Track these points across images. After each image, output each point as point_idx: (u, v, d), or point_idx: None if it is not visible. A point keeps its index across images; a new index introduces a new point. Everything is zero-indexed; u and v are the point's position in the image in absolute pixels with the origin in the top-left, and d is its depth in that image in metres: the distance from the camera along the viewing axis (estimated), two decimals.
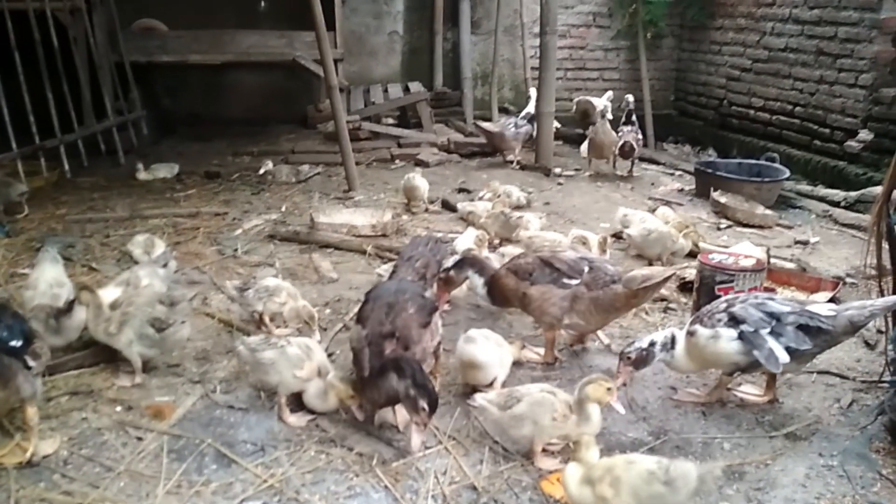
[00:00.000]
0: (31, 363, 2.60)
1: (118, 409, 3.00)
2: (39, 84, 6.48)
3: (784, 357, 2.88)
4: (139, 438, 2.80)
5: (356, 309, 3.97)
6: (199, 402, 3.07)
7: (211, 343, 3.58)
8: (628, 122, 7.55)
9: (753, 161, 7.36)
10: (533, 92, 8.80)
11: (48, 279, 3.60)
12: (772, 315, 2.96)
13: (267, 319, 3.71)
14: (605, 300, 3.31)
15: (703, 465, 2.33)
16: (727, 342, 2.97)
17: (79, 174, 6.80)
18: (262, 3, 9.95)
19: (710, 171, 6.85)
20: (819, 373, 3.45)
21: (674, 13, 10.94)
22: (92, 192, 6.39)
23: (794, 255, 5.14)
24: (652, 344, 3.05)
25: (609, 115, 7.46)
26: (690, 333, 3.05)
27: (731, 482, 2.66)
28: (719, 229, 5.75)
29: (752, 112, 9.68)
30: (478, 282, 3.65)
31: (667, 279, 3.31)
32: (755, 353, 2.90)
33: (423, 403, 2.57)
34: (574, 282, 3.36)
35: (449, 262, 3.67)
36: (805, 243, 5.46)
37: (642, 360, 3.04)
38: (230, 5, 9.59)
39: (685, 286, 4.35)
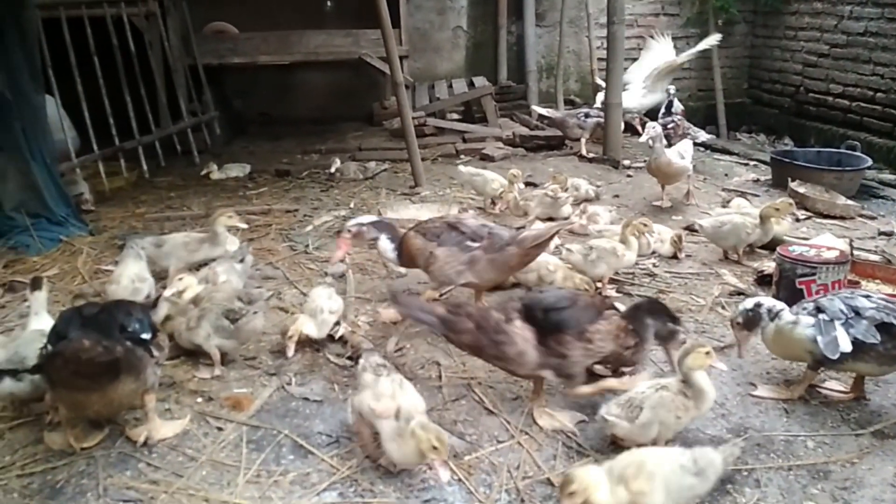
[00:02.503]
0: (156, 353, 2.73)
1: (199, 400, 3.09)
2: (118, 88, 6.73)
3: (846, 346, 2.81)
4: (219, 429, 2.88)
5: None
6: (275, 394, 3.14)
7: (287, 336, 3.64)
8: (668, 112, 7.38)
9: (833, 149, 7.09)
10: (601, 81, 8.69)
11: (130, 274, 3.74)
12: (853, 308, 2.92)
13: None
14: (500, 261, 3.61)
15: (724, 447, 2.36)
16: (803, 329, 2.96)
17: (156, 174, 7.04)
18: (329, 3, 10.09)
19: (787, 160, 6.61)
20: None
21: None
22: (169, 191, 6.61)
23: (879, 246, 4.93)
24: (759, 304, 3.12)
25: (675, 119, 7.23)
26: (779, 317, 3.06)
27: (816, 481, 2.57)
28: (798, 220, 5.55)
29: (830, 99, 9.33)
30: (388, 245, 3.75)
31: (553, 235, 3.66)
32: (818, 338, 2.87)
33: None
34: (475, 245, 3.62)
35: (363, 219, 3.66)
36: (890, 234, 5.21)
37: (751, 321, 3.12)
38: (298, 6, 9.74)
39: (763, 279, 4.21)
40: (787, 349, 3.09)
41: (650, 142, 5.58)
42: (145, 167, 6.96)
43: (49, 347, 2.55)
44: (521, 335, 2.82)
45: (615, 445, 2.71)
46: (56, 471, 2.62)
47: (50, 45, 5.80)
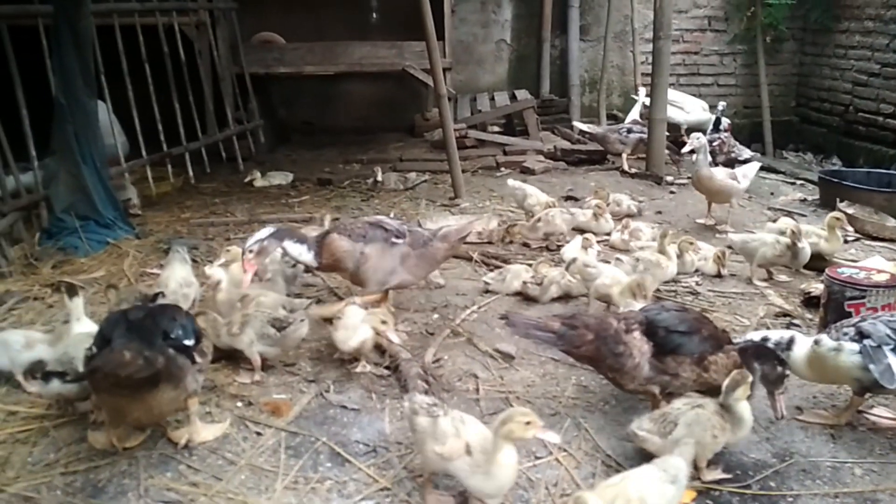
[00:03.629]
0: (198, 360, 2.74)
1: (239, 404, 3.12)
2: (167, 95, 6.87)
3: None
4: (258, 434, 2.90)
5: (465, 314, 4.02)
6: (313, 401, 3.15)
7: (324, 343, 3.66)
8: (716, 129, 7.28)
9: (883, 170, 6.93)
10: (641, 92, 8.65)
11: (178, 279, 3.79)
12: None
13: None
14: (428, 255, 3.82)
15: (678, 449, 2.41)
16: (848, 356, 2.85)
17: (201, 180, 7.17)
18: (374, 15, 10.19)
19: (835, 180, 6.48)
20: None
21: (795, 16, 10.47)
22: (213, 196, 6.72)
23: None
24: (765, 339, 3.01)
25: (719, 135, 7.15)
26: (816, 342, 2.94)
27: None
28: (846, 242, 5.42)
29: (880, 119, 9.12)
30: (299, 248, 3.64)
31: (474, 226, 4.13)
32: (871, 366, 2.77)
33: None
34: (401, 241, 3.74)
35: (260, 234, 3.57)
36: None
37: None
38: (343, 18, 9.87)
39: (810, 301, 4.12)
40: (827, 375, 2.98)
41: (693, 154, 5.51)
42: (191, 173, 7.08)
43: (94, 350, 2.59)
44: (639, 348, 2.82)
45: None
46: (98, 470, 2.66)
47: (102, 52, 5.95)
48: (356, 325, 3.34)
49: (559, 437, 2.43)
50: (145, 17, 6.90)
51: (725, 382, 2.65)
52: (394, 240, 3.74)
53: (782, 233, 4.64)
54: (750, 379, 2.62)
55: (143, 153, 6.54)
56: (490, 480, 2.33)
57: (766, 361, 2.76)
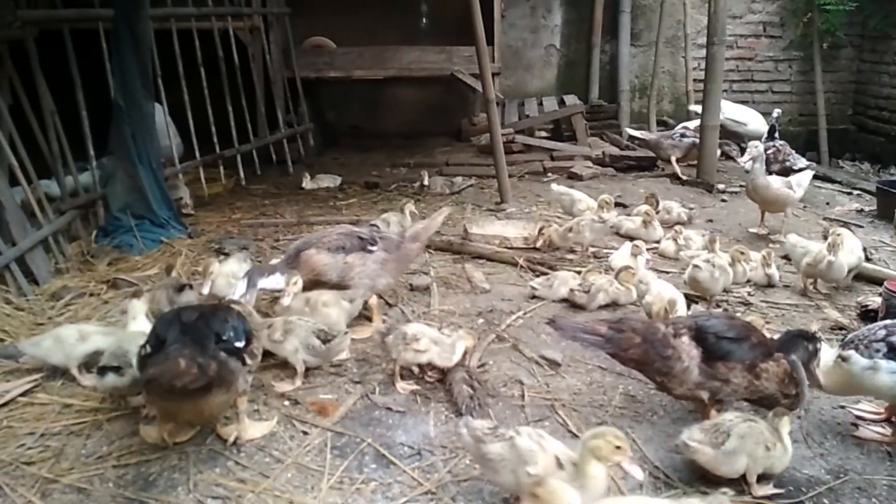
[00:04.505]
0: (249, 361, 2.77)
1: (286, 403, 3.16)
2: (221, 98, 7.00)
3: None
4: (305, 433, 2.93)
5: (510, 320, 4.00)
6: (359, 402, 3.17)
7: (370, 345, 3.68)
8: (771, 137, 7.12)
9: None
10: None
11: (227, 274, 3.87)
12: None
13: (396, 369, 3.32)
14: (403, 257, 4.02)
15: (711, 497, 2.29)
16: (888, 375, 2.76)
17: (252, 182, 7.27)
18: (424, 20, 10.23)
19: (893, 190, 6.29)
20: None
21: (853, 22, 10.18)
22: (263, 198, 6.81)
23: None
24: None
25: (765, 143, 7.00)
26: (843, 359, 2.84)
27: None
28: None
29: None
30: (275, 279, 3.66)
31: (441, 220, 4.26)
32: None
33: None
34: (375, 248, 3.88)
35: (240, 286, 3.52)
36: None
37: None
38: (393, 23, 9.93)
39: (867, 314, 4.00)
40: (859, 390, 2.92)
41: (750, 162, 5.39)
42: (242, 175, 7.20)
43: (148, 348, 2.64)
44: (688, 352, 2.81)
45: (704, 479, 2.61)
46: (149, 463, 2.71)
47: (160, 56, 6.08)
48: (454, 343, 3.28)
49: (643, 475, 2.37)
50: (201, 21, 7.05)
51: (771, 413, 2.63)
52: (370, 247, 3.87)
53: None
54: (789, 417, 2.62)
55: (197, 154, 6.67)
56: (586, 494, 2.24)
57: (799, 348, 2.80)
